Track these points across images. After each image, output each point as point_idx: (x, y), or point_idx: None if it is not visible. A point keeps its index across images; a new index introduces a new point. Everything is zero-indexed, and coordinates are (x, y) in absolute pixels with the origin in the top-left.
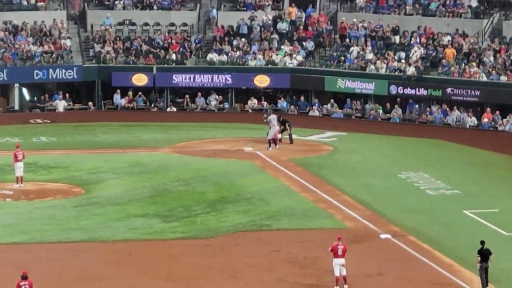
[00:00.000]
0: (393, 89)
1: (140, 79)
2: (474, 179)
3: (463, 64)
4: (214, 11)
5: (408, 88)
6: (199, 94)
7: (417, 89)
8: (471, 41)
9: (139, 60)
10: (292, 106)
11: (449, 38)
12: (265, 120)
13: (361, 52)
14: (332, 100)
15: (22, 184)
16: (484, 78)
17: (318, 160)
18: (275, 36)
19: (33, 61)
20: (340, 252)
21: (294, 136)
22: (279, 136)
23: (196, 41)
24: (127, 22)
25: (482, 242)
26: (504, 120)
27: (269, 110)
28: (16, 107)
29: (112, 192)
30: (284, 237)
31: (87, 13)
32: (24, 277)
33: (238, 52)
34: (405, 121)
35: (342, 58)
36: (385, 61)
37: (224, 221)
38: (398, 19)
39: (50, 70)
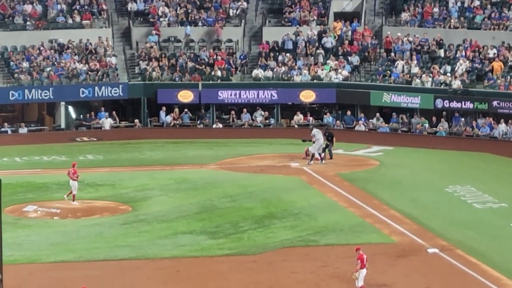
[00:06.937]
0: (439, 103)
1: (185, 96)
2: None
3: (509, 77)
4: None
5: (454, 101)
6: (245, 110)
7: (463, 102)
8: None
9: (185, 77)
10: (338, 121)
11: (494, 51)
12: (311, 135)
13: (406, 66)
14: (378, 115)
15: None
16: None
17: (365, 175)
18: (321, 51)
19: (79, 79)
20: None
21: (340, 151)
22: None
23: (241, 57)
24: (172, 39)
25: None
26: None
27: (311, 126)
28: (63, 125)
29: (159, 209)
30: (331, 252)
31: (132, 30)
32: None
33: (283, 68)
34: (451, 135)
35: (388, 72)
36: (431, 75)
37: (271, 237)
38: (443, 33)
39: (96, 88)
